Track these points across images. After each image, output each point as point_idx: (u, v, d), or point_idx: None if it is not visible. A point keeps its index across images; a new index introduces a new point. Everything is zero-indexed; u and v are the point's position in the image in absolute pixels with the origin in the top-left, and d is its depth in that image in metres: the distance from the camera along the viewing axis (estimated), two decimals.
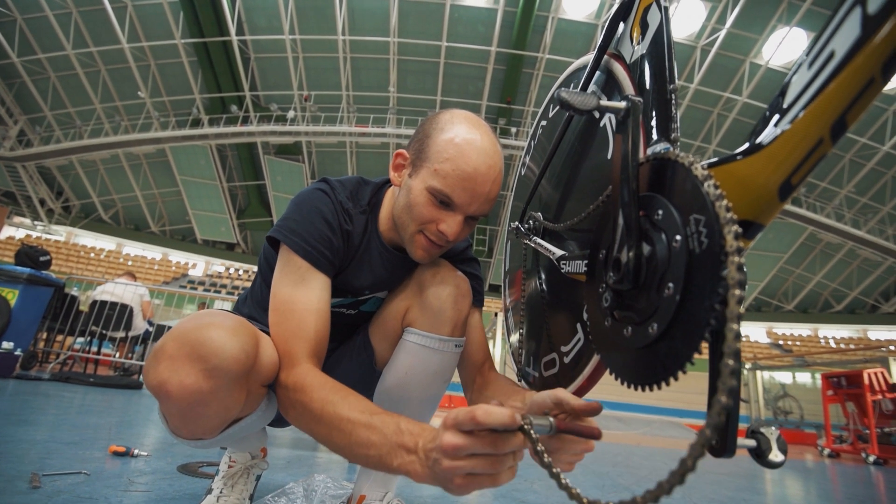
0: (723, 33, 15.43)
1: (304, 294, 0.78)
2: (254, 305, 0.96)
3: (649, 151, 0.59)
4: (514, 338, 1.07)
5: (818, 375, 6.50)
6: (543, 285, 0.94)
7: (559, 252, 0.79)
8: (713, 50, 15.86)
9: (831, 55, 0.39)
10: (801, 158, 0.41)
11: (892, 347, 18.86)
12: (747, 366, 7.85)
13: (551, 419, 0.53)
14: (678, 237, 0.46)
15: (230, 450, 1.01)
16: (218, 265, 23.67)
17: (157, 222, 22.90)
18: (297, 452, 1.92)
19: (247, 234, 23.49)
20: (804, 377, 10.57)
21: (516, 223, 1.03)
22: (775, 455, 0.46)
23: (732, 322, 0.36)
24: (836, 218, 18.57)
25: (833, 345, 21.56)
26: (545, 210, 0.97)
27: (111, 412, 2.64)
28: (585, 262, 0.67)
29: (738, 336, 0.36)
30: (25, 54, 16.73)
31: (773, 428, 0.47)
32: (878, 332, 22.28)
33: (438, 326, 0.88)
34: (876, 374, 5.39)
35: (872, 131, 16.92)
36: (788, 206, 17.56)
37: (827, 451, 5.51)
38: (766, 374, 8.46)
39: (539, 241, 0.88)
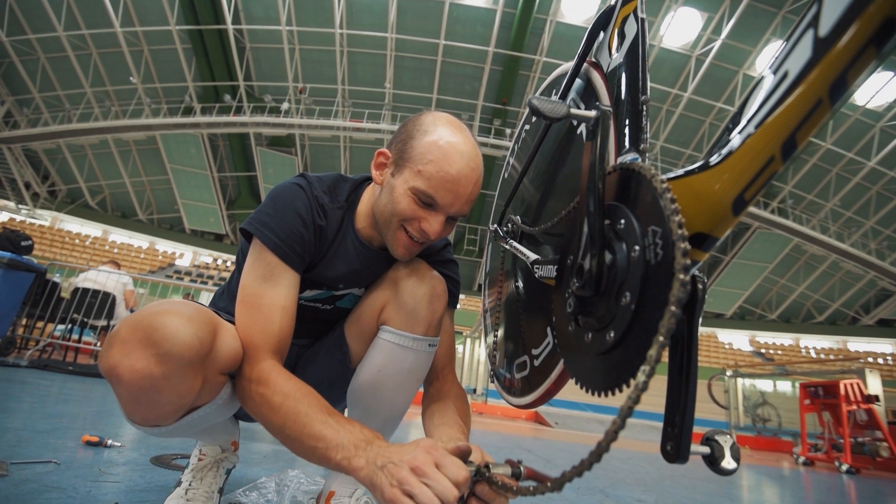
0: (718, 44, 15.61)
1: (271, 289, 0.79)
2: (229, 299, 0.96)
3: (619, 161, 0.60)
4: (490, 339, 1.08)
5: (798, 384, 6.61)
6: (519, 288, 0.95)
7: (534, 256, 0.80)
8: (708, 60, 16.04)
9: (785, 75, 0.40)
10: (754, 175, 0.41)
11: (869, 359, 19.25)
12: (728, 373, 7.96)
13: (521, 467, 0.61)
14: (637, 248, 0.47)
15: (200, 443, 1.01)
16: (206, 256, 23.43)
17: (144, 210, 22.60)
18: (275, 447, 1.91)
19: (236, 225, 23.26)
20: (784, 386, 10.75)
21: (495, 225, 1.04)
22: (728, 462, 0.48)
23: (660, 335, 0.37)
24: (822, 230, 18.88)
25: (814, 355, 21.95)
26: (524, 214, 0.98)
27: (89, 401, 2.60)
28: (556, 266, 0.67)
29: (662, 346, 0.37)
30: (15, 34, 16.38)
31: (728, 436, 0.48)
32: (857, 344, 22.73)
33: (413, 325, 0.89)
34: (851, 385, 5.49)
35: (859, 147, 17.23)
36: (775, 217, 17.84)
37: (802, 459, 5.60)
38: (748, 382, 8.58)
39: (515, 244, 0.89)
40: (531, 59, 16.95)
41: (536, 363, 0.79)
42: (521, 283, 0.95)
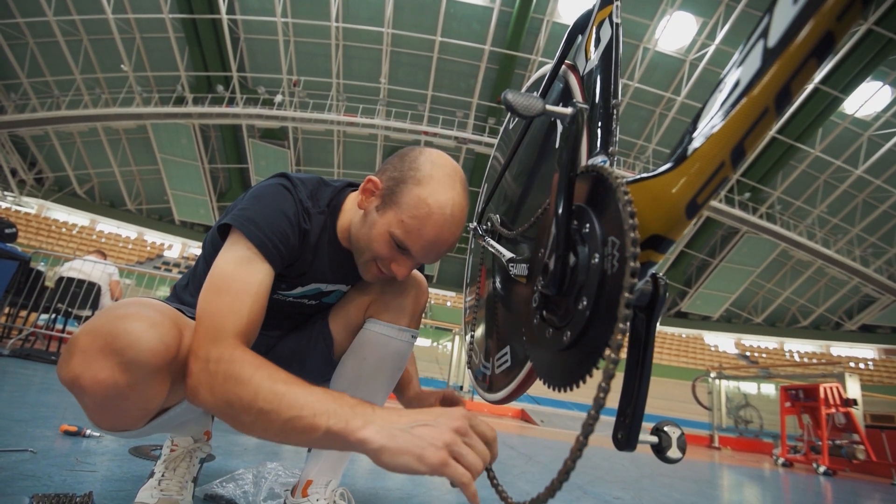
0: (711, 49, 15.74)
1: (245, 275, 0.73)
2: (194, 291, 0.91)
3: (589, 162, 0.61)
4: (469, 336, 1.10)
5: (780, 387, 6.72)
6: (497, 286, 0.97)
7: (509, 254, 0.81)
8: (701, 65, 16.17)
9: (737, 83, 0.41)
10: (705, 180, 0.43)
11: (851, 364, 19.59)
12: (712, 374, 8.07)
13: None
14: (597, 255, 0.48)
15: (172, 434, 1.01)
16: (195, 247, 23.19)
17: (133, 200, 22.32)
18: (255, 440, 1.92)
19: None
20: (768, 388, 10.91)
21: (475, 224, 1.05)
22: (674, 452, 0.49)
23: (612, 351, 0.39)
24: (808, 236, 19.15)
25: (797, 358, 22.29)
26: (504, 212, 0.99)
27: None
28: (528, 265, 0.69)
29: (615, 361, 0.39)
30: (2, 17, 16.05)
31: (676, 428, 0.50)
32: (839, 349, 23.13)
33: (398, 318, 0.95)
34: (831, 388, 5.60)
35: (847, 155, 17.49)
36: (763, 223, 18.05)
37: (781, 461, 5.71)
38: (732, 384, 8.70)
39: (493, 243, 0.91)
40: (527, 58, 16.96)
41: (508, 361, 0.81)
42: (498, 282, 0.97)
